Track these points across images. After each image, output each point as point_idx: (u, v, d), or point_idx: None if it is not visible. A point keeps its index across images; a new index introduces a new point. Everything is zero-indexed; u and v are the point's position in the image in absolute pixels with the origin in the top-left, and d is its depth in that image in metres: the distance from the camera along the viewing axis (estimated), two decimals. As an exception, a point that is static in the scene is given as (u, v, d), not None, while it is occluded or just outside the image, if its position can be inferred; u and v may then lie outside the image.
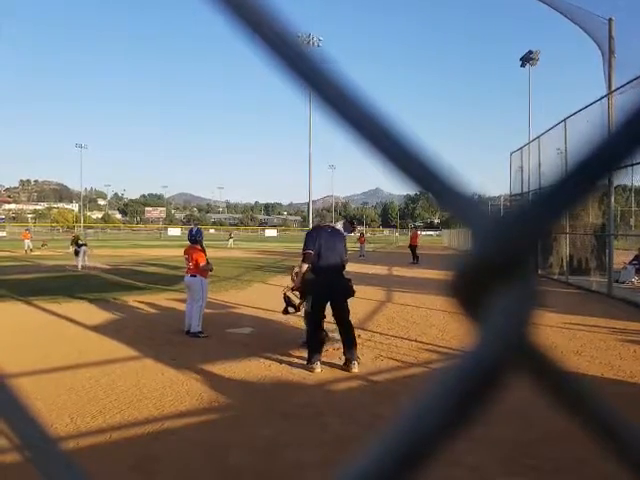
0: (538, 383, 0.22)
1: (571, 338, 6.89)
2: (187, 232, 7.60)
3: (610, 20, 12.89)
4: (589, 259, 14.50)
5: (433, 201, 0.24)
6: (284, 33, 0.25)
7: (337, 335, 5.74)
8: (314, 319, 5.58)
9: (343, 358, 5.50)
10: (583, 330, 7.41)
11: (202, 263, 6.93)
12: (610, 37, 12.79)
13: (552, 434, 3.58)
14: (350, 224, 7.18)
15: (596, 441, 0.23)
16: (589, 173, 0.20)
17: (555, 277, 14.96)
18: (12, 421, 0.31)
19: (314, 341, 5.45)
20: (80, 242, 18.09)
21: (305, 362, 5.44)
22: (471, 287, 0.22)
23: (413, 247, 23.93)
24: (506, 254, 0.21)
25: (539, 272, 16.07)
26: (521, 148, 18.70)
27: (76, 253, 17.61)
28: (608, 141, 0.20)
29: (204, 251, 7.16)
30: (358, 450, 0.21)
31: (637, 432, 0.23)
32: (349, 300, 5.66)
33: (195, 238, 7.11)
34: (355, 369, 5.29)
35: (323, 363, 5.42)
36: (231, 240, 39.41)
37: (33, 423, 0.31)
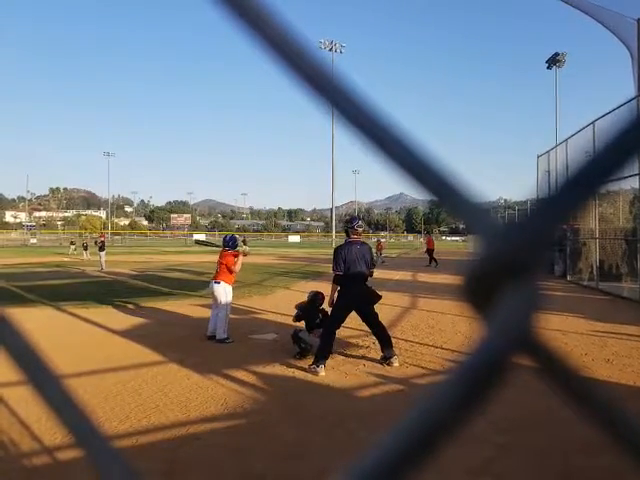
0: (543, 380, 0.23)
1: (602, 346, 6.72)
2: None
3: (639, 21, 12.62)
4: (620, 264, 14.13)
5: (445, 208, 0.25)
6: (303, 47, 0.26)
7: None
8: (332, 325, 5.78)
9: (367, 364, 5.65)
10: (614, 338, 7.23)
11: (231, 266, 7.26)
12: (639, 38, 12.52)
13: (583, 442, 3.48)
14: (348, 222, 6.14)
15: (602, 434, 0.23)
16: (589, 179, 0.21)
17: (585, 283, 14.62)
18: (67, 418, 0.33)
19: (325, 345, 5.60)
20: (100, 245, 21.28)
21: (315, 366, 5.41)
22: (479, 288, 0.23)
23: (430, 251, 24.63)
24: (511, 257, 0.22)
25: (568, 278, 15.74)
26: (548, 151, 18.40)
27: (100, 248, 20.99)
28: (607, 147, 0.21)
29: (237, 255, 7.52)
30: (367, 446, 0.22)
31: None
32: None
33: (227, 244, 7.54)
34: (396, 363, 5.64)
35: (350, 372, 5.48)
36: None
37: (87, 420, 0.33)
